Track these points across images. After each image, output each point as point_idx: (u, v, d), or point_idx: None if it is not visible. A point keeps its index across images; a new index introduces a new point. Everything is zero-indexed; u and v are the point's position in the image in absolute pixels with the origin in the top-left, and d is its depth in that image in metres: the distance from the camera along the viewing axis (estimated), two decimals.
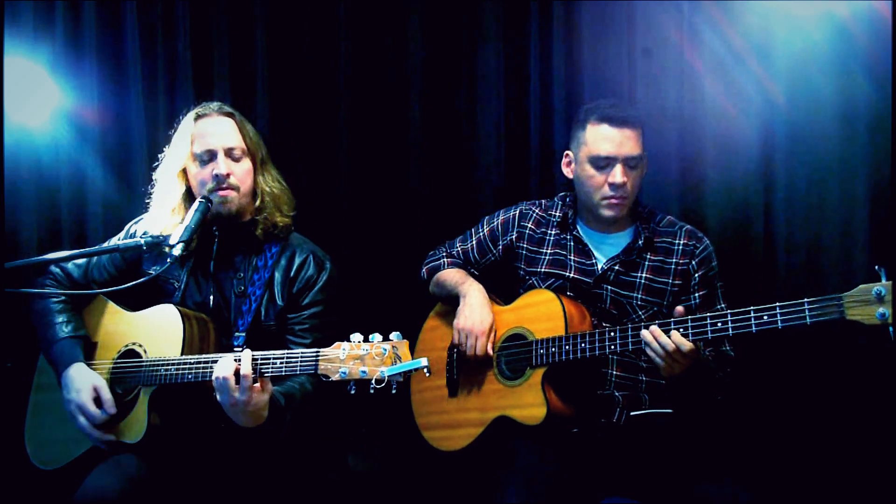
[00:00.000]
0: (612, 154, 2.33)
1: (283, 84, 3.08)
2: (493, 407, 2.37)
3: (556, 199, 2.59)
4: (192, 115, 2.38)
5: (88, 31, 3.07)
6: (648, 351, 2.10)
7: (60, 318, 2.32)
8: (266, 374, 2.05)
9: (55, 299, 2.36)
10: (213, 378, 2.04)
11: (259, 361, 2.05)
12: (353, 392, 1.98)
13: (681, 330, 2.07)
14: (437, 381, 2.52)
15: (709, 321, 2.05)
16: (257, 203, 2.37)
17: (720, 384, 2.29)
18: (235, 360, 2.04)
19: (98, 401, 2.20)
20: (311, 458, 2.25)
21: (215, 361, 2.11)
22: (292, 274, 2.35)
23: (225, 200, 2.29)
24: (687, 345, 2.05)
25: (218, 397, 2.06)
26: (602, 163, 2.34)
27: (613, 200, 2.35)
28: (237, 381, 2.02)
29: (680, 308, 2.13)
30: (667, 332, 2.08)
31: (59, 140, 3.07)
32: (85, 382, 2.22)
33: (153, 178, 2.44)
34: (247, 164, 2.35)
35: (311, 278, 2.35)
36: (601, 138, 2.34)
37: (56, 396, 2.29)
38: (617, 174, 2.32)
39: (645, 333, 2.10)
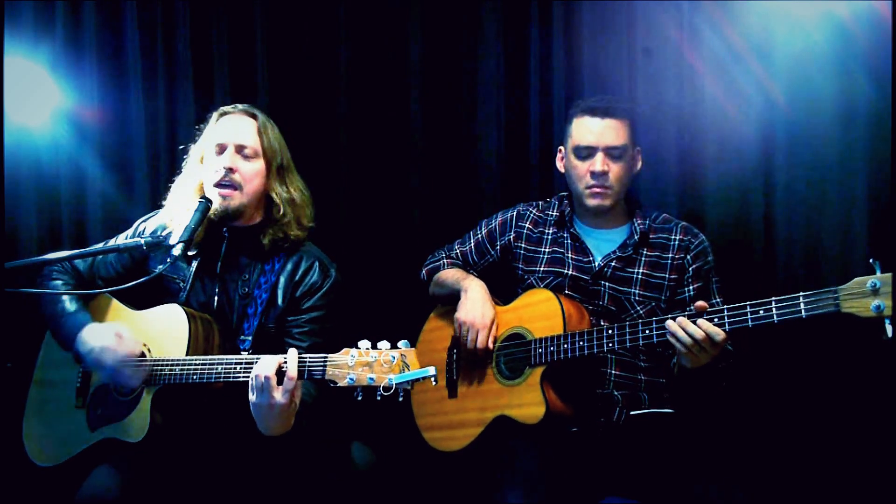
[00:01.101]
0: (593, 144, 2.37)
1: (283, 84, 3.08)
2: (492, 407, 2.37)
3: (553, 199, 2.60)
4: (216, 113, 2.38)
5: (88, 31, 3.07)
6: (673, 340, 2.07)
7: (67, 297, 2.30)
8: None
9: (61, 281, 2.35)
10: (253, 377, 2.01)
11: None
12: (359, 398, 1.97)
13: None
14: None
15: (705, 317, 2.04)
16: (274, 211, 2.33)
17: (723, 374, 2.28)
18: (279, 360, 2.02)
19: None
20: (312, 458, 2.24)
21: (221, 363, 2.11)
22: (297, 278, 2.34)
23: (225, 199, 2.27)
24: (721, 334, 2.02)
25: (253, 398, 2.02)
26: (584, 153, 2.39)
27: (596, 189, 2.38)
28: (279, 382, 1.99)
29: (701, 302, 2.10)
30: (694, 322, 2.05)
31: (59, 140, 3.07)
32: (105, 328, 2.22)
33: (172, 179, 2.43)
34: (257, 165, 2.32)
35: (315, 284, 2.34)
36: (583, 129, 2.39)
37: (56, 393, 2.29)
38: (597, 163, 2.36)
39: (671, 324, 2.08)
